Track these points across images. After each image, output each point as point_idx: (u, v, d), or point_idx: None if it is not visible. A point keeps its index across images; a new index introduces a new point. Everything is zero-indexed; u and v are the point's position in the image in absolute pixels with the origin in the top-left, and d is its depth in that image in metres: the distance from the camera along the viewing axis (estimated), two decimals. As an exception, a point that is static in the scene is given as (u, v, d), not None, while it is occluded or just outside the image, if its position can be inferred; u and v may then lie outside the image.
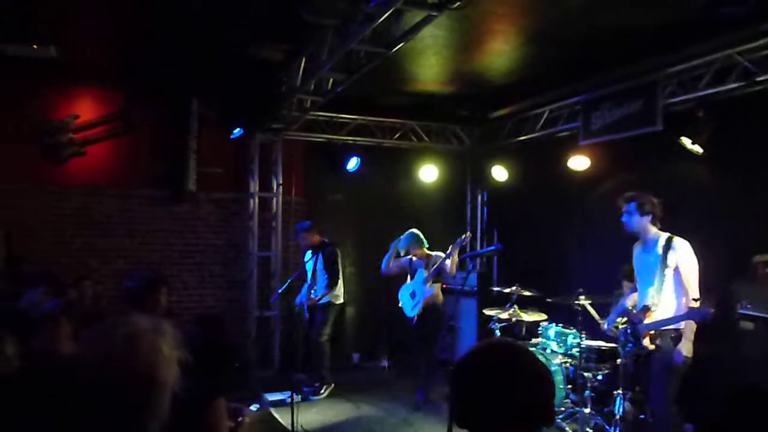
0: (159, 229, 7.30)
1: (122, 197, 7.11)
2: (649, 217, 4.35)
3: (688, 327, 4.14)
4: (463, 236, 6.10)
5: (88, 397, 1.53)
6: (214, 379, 2.71)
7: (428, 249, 6.44)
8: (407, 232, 6.43)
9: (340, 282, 6.84)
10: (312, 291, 6.75)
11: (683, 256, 4.23)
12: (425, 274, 6.29)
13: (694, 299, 4.09)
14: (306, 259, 6.73)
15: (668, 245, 4.25)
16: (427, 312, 6.25)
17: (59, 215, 6.80)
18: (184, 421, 1.71)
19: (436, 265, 6.16)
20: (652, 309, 4.34)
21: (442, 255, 6.13)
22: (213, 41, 5.79)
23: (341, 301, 6.91)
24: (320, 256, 6.70)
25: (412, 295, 6.42)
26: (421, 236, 6.42)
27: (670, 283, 4.27)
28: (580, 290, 5.37)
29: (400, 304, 6.56)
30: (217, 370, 2.72)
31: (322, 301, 6.72)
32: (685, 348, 4.14)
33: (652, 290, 4.31)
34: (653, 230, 4.38)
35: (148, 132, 7.13)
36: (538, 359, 1.64)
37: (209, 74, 6.69)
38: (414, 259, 6.47)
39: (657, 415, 4.41)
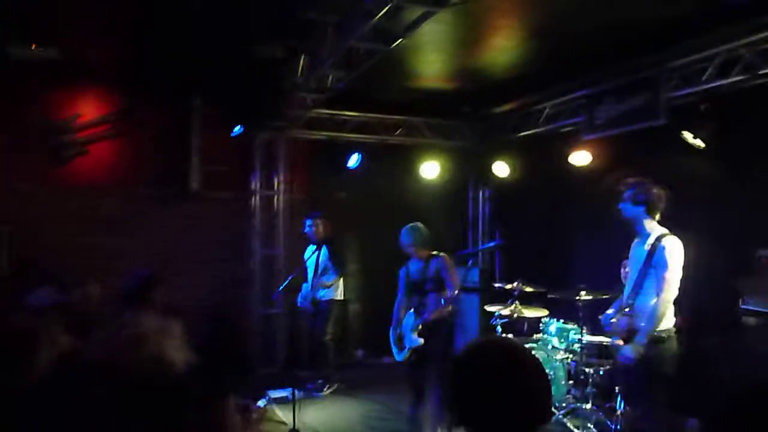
0: (163, 228, 7.31)
1: (126, 196, 7.12)
2: (642, 208, 4.12)
3: (643, 332, 3.96)
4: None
5: (92, 399, 1.53)
6: (223, 376, 2.73)
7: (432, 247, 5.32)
8: (406, 227, 5.35)
9: (341, 279, 6.85)
10: (316, 279, 6.72)
11: (667, 256, 3.98)
12: (414, 318, 5.16)
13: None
14: (306, 256, 6.73)
15: (656, 243, 4.03)
16: (427, 332, 5.13)
17: (64, 215, 6.82)
18: (194, 420, 1.71)
19: (426, 313, 5.05)
20: (625, 308, 4.17)
21: (446, 260, 5.14)
22: (214, 39, 5.80)
23: (342, 297, 6.92)
24: (325, 249, 6.70)
25: (399, 340, 5.30)
26: (424, 230, 5.31)
27: (651, 283, 4.05)
28: (582, 286, 5.35)
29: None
30: (225, 368, 2.74)
31: (325, 298, 6.73)
32: (632, 349, 3.95)
33: (632, 288, 4.16)
34: (648, 224, 4.14)
35: (151, 131, 7.15)
36: (533, 356, 1.64)
37: (211, 72, 6.71)
38: (410, 266, 5.32)
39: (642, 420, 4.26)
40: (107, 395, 1.52)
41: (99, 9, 5.22)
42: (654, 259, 4.01)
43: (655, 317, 3.95)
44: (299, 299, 6.85)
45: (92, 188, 6.96)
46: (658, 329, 3.98)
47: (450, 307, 5.08)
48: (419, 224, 5.31)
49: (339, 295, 6.85)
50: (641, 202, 4.14)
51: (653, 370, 4.00)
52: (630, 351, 3.96)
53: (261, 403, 5.72)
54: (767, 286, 4.58)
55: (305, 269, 6.80)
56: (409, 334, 5.17)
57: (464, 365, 1.62)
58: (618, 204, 4.25)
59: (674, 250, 3.99)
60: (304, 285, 6.82)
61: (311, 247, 6.79)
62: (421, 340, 5.05)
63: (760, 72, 4.87)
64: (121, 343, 1.59)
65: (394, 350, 5.37)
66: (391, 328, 5.34)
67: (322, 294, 6.76)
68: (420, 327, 5.08)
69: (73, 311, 3.50)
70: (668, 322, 4.05)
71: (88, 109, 6.92)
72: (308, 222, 6.89)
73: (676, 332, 4.09)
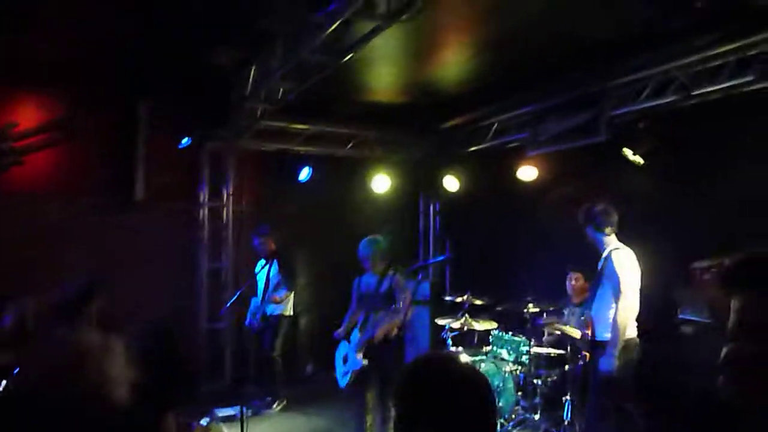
0: (106, 239, 7.05)
1: (67, 207, 6.84)
2: (590, 227, 4.40)
3: (611, 344, 4.20)
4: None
5: (32, 418, 1.46)
6: (165, 393, 2.64)
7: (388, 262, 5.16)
8: (365, 239, 5.24)
9: (292, 295, 6.76)
10: (266, 294, 6.62)
11: (616, 268, 4.24)
12: (359, 335, 5.03)
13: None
14: (257, 270, 6.62)
15: (606, 257, 4.30)
16: (373, 351, 4.97)
17: (1, 226, 6.51)
18: None
19: (370, 331, 4.93)
20: (587, 320, 4.44)
21: (400, 279, 5.01)
22: (162, 45, 5.68)
23: (291, 313, 6.83)
24: (275, 263, 6.61)
25: (344, 360, 5.19)
26: (382, 244, 5.22)
27: (603, 294, 4.33)
28: (529, 298, 5.46)
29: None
30: (167, 385, 2.66)
31: (273, 313, 6.63)
32: (607, 362, 4.18)
33: (588, 299, 4.41)
34: (605, 239, 4.39)
35: (94, 138, 6.90)
36: (475, 369, 1.65)
37: (158, 78, 6.55)
38: (363, 278, 5.22)
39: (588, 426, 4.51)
40: (49, 417, 1.46)
41: (37, 8, 5.02)
42: (605, 273, 4.29)
43: (616, 326, 4.19)
44: (249, 315, 6.72)
45: (31, 196, 6.66)
46: (607, 338, 4.25)
47: (399, 326, 4.95)
48: (378, 237, 5.25)
49: (289, 310, 6.76)
50: (589, 223, 4.43)
51: (605, 378, 4.24)
52: (607, 364, 4.17)
53: (204, 421, 5.58)
54: (701, 297, 4.77)
55: (255, 283, 6.69)
56: (353, 354, 5.01)
57: (409, 381, 1.62)
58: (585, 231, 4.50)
59: (622, 262, 4.24)
60: (254, 299, 6.70)
61: (262, 261, 6.69)
62: (365, 362, 4.92)
63: (692, 93, 5.11)
64: (61, 363, 1.52)
65: (339, 371, 5.21)
66: (341, 344, 5.22)
67: (272, 309, 6.66)
68: (364, 346, 4.95)
69: (8, 331, 3.34)
70: (629, 330, 4.27)
71: (26, 116, 6.63)
72: (256, 240, 6.81)
73: (635, 341, 4.30)
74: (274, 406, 6.51)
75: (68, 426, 1.49)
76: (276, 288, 6.64)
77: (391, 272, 5.03)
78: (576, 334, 4.91)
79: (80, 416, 1.51)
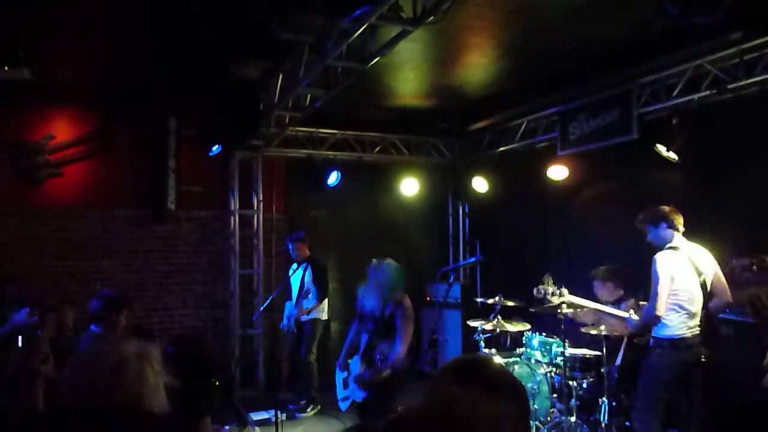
0: (139, 250, 7.21)
1: (102, 218, 7.02)
2: (663, 225, 4.41)
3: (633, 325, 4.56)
4: None
5: (75, 426, 1.50)
6: (199, 398, 2.68)
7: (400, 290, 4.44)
8: (383, 262, 4.47)
9: (325, 300, 6.79)
10: (300, 298, 6.65)
11: (653, 269, 4.32)
12: (359, 365, 4.51)
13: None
14: (291, 274, 6.67)
15: (653, 262, 4.34)
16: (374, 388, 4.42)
17: (39, 238, 6.70)
18: None
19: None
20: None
21: (406, 309, 4.35)
22: (190, 60, 5.79)
23: (326, 317, 6.86)
24: (309, 269, 6.65)
25: (344, 384, 4.69)
26: (399, 271, 4.46)
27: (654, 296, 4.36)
28: (563, 299, 5.37)
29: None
30: (200, 390, 2.70)
31: (308, 317, 6.67)
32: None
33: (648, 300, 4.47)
34: (671, 237, 4.42)
35: (126, 152, 7.07)
36: (508, 372, 1.63)
37: (187, 93, 6.68)
38: (366, 306, 4.54)
39: (633, 423, 4.52)
40: (90, 425, 1.49)
41: (72, 30, 5.17)
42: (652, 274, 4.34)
43: (642, 317, 4.42)
44: (284, 319, 6.77)
45: (67, 210, 6.85)
46: (657, 334, 4.32)
47: (398, 364, 4.29)
48: (391, 261, 4.48)
49: (323, 315, 6.78)
50: (659, 221, 4.43)
51: (651, 373, 4.31)
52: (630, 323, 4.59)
53: (228, 427, 5.63)
54: (741, 296, 4.65)
55: (289, 287, 6.73)
56: (353, 383, 4.57)
57: (437, 384, 1.61)
58: (647, 239, 4.51)
59: (656, 262, 4.29)
60: (288, 304, 6.75)
61: (294, 265, 6.74)
62: (364, 396, 4.46)
63: (729, 86, 5.01)
64: (101, 371, 1.55)
65: (339, 395, 4.74)
66: (338, 366, 4.73)
67: (305, 315, 6.69)
68: (363, 380, 4.45)
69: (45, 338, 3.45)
70: (668, 331, 4.28)
71: (61, 130, 6.83)
72: (290, 245, 6.83)
73: (682, 343, 4.26)
74: (308, 410, 6.54)
75: None
76: (306, 295, 6.66)
77: (397, 297, 4.37)
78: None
79: (121, 423, 1.53)
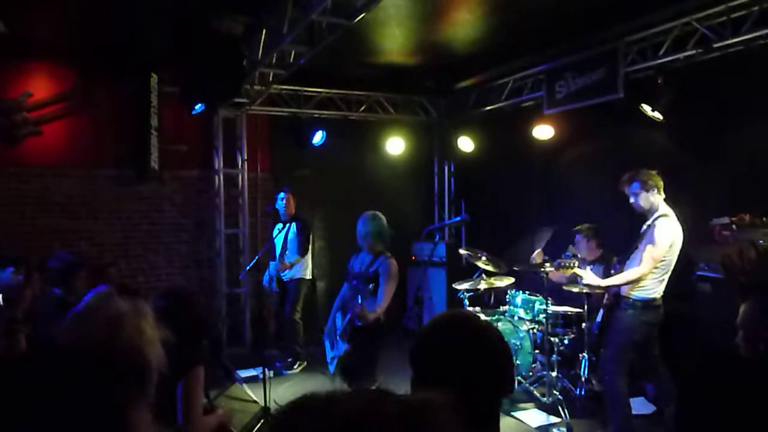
0: (123, 209, 7.16)
1: (84, 177, 6.93)
2: (654, 191, 4.35)
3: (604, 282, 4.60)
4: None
5: (72, 381, 1.52)
6: (191, 349, 2.75)
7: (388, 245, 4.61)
8: (366, 214, 4.63)
9: (309, 257, 6.82)
10: (284, 257, 6.66)
11: (652, 233, 4.28)
12: (340, 320, 4.68)
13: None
14: (275, 234, 6.67)
15: (652, 224, 4.31)
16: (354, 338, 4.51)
17: (19, 197, 6.61)
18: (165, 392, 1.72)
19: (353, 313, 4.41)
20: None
21: (391, 265, 4.43)
22: (171, 14, 5.63)
23: (310, 276, 6.90)
24: (292, 226, 6.65)
25: (332, 345, 4.80)
26: (384, 223, 4.61)
27: (637, 257, 4.38)
28: (546, 258, 5.46)
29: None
30: (192, 341, 2.76)
31: (293, 277, 6.70)
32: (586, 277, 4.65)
33: (629, 260, 4.47)
34: (657, 203, 4.37)
35: (107, 110, 6.93)
36: (491, 327, 1.66)
37: (168, 49, 6.52)
38: (358, 257, 4.69)
39: (603, 379, 4.61)
40: (89, 375, 1.51)
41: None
42: (646, 236, 4.33)
43: (621, 278, 4.42)
44: (266, 278, 6.79)
45: (48, 169, 6.75)
46: (631, 295, 4.36)
47: (374, 316, 4.35)
48: (380, 214, 4.65)
49: (308, 274, 6.83)
50: (653, 186, 4.34)
51: (623, 333, 4.37)
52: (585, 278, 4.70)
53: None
54: (719, 254, 4.74)
55: (273, 247, 6.73)
56: (338, 340, 4.67)
57: (427, 340, 1.64)
58: (632, 201, 4.43)
59: (665, 231, 4.26)
60: (272, 263, 6.77)
61: (279, 225, 6.73)
62: (347, 348, 4.52)
63: (715, 45, 4.99)
64: (99, 324, 1.59)
65: (328, 357, 4.80)
66: (327, 328, 4.81)
67: (289, 273, 6.72)
68: (346, 330, 4.55)
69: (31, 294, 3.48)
70: (643, 293, 4.34)
71: (40, 88, 6.66)
72: (281, 195, 6.77)
73: (653, 303, 4.34)
74: (295, 366, 6.64)
75: (104, 388, 1.55)
76: (291, 249, 6.67)
77: (384, 255, 4.50)
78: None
79: (115, 379, 1.57)
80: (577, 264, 4.77)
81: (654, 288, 4.34)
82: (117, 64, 6.75)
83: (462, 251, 6.30)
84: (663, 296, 4.38)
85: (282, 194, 6.79)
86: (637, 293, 4.35)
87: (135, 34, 6.14)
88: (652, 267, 4.27)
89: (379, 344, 4.44)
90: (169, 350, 1.71)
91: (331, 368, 4.76)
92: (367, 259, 4.57)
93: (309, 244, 6.74)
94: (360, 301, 4.34)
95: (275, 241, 6.66)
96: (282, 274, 6.72)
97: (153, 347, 1.63)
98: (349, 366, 4.50)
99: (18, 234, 6.44)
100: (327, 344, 4.83)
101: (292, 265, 6.63)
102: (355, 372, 4.40)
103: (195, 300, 3.02)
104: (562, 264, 4.73)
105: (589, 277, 4.67)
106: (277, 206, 6.80)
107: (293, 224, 6.62)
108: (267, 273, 6.77)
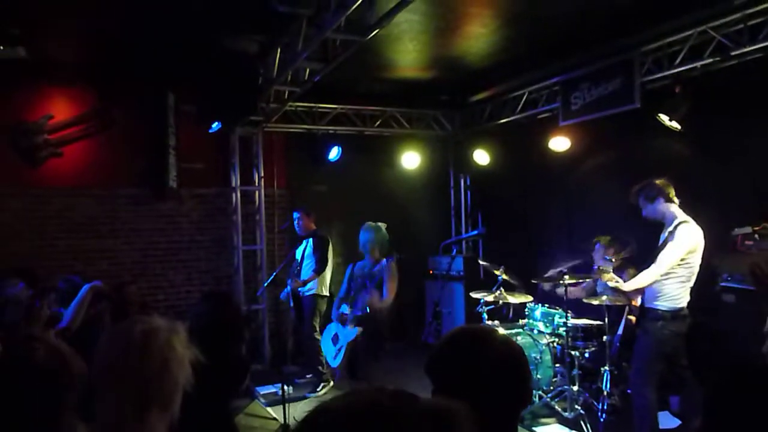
0: (142, 228, 7.23)
1: (103, 197, 7.02)
2: (660, 200, 4.33)
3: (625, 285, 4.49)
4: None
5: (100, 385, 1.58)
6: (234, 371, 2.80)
7: (386, 251, 5.33)
8: (367, 225, 5.40)
9: (328, 274, 6.74)
10: (298, 273, 6.60)
11: (673, 239, 4.23)
12: (348, 309, 5.31)
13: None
14: (295, 250, 6.66)
15: (674, 230, 4.26)
16: (367, 321, 5.21)
17: (41, 217, 6.71)
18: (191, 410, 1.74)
19: (359, 306, 5.23)
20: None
21: (392, 266, 5.20)
22: (188, 36, 5.72)
23: (326, 293, 6.79)
24: (309, 242, 6.62)
25: (334, 339, 5.46)
26: (383, 232, 5.35)
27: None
28: (564, 270, 5.40)
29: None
30: (233, 341, 2.80)
31: (307, 292, 6.63)
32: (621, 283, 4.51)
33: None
34: (671, 211, 4.33)
35: (126, 130, 7.03)
36: (509, 341, 1.64)
37: (185, 69, 6.62)
38: (358, 264, 5.44)
39: (632, 394, 4.54)
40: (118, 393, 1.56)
41: (66, 6, 5.10)
42: (668, 243, 4.26)
43: (642, 279, 4.33)
44: (283, 294, 6.76)
45: (68, 189, 6.85)
46: (659, 306, 4.28)
47: (382, 306, 5.10)
48: (380, 224, 5.32)
49: (323, 290, 6.71)
50: (655, 196, 4.34)
51: (651, 345, 4.30)
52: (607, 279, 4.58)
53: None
54: (744, 263, 4.66)
55: (294, 260, 6.71)
56: (344, 329, 5.28)
57: (445, 353, 1.63)
58: (642, 214, 4.45)
59: (685, 237, 4.22)
60: (289, 280, 6.75)
61: (303, 242, 6.74)
62: (359, 329, 5.21)
63: (732, 53, 4.94)
64: (135, 336, 1.63)
65: (330, 353, 5.53)
66: (327, 327, 5.58)
67: (304, 289, 6.66)
68: (357, 318, 5.23)
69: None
70: (671, 302, 4.27)
71: (60, 110, 6.78)
72: (296, 215, 6.77)
73: (680, 313, 4.28)
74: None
75: (133, 395, 1.60)
76: (307, 265, 6.62)
77: (386, 259, 5.21)
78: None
79: (145, 387, 1.61)
80: (611, 269, 4.75)
81: (681, 297, 4.26)
82: (135, 85, 6.86)
83: (481, 262, 6.30)
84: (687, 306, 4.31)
85: (296, 214, 6.78)
86: (665, 304, 4.28)
87: (152, 54, 6.24)
88: (668, 267, 4.20)
89: (381, 331, 5.12)
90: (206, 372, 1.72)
91: (335, 363, 5.31)
92: (368, 265, 5.25)
93: (325, 260, 6.67)
94: (369, 292, 5.05)
95: (296, 254, 6.65)
96: (299, 290, 6.68)
97: (182, 364, 1.66)
98: (357, 349, 5.14)
99: (40, 254, 6.53)
100: (327, 341, 5.41)
101: (305, 283, 6.55)
102: (362, 354, 5.10)
103: (235, 303, 3.08)
104: (600, 269, 4.69)
105: (622, 283, 4.57)
106: (294, 225, 6.81)
107: (310, 240, 6.60)
108: (285, 289, 6.75)
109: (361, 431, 0.81)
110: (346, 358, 5.28)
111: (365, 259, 5.31)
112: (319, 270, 6.50)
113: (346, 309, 5.31)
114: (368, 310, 5.07)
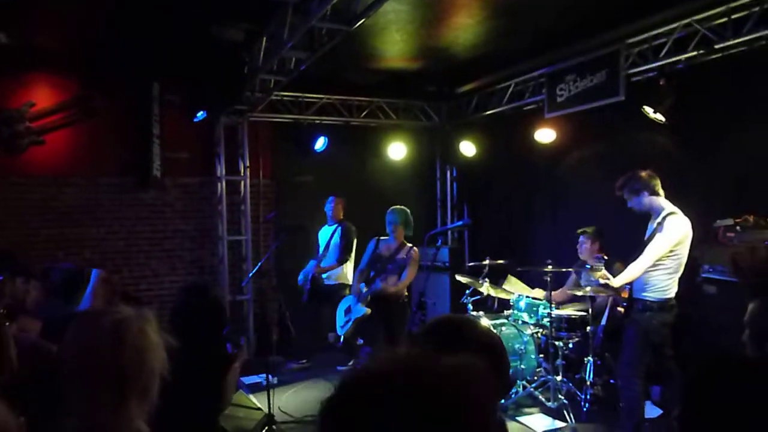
0: (126, 217, 7.16)
1: (86, 186, 6.94)
2: (645, 194, 4.35)
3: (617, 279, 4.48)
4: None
5: (79, 384, 1.55)
6: (219, 346, 2.81)
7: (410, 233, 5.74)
8: (394, 207, 5.77)
9: (350, 264, 6.69)
10: (322, 260, 6.66)
11: (661, 231, 4.25)
12: (365, 289, 5.70)
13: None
14: (320, 233, 6.69)
15: (662, 221, 4.28)
16: (378, 303, 5.64)
17: (23, 206, 6.63)
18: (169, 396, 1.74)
19: (368, 290, 5.65)
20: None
21: (416, 254, 5.59)
22: (173, 24, 5.65)
23: (351, 282, 6.51)
24: (338, 230, 6.67)
25: (347, 311, 5.85)
26: (409, 215, 5.73)
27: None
28: (549, 261, 5.44)
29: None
30: (214, 330, 2.81)
31: (333, 281, 6.65)
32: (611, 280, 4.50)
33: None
34: (658, 202, 4.36)
35: (109, 118, 6.94)
36: (488, 331, 1.65)
37: (170, 57, 6.54)
38: (382, 242, 5.79)
39: (619, 384, 4.57)
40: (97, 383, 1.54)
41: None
42: (656, 235, 4.28)
43: (632, 270, 4.34)
44: (300, 276, 6.76)
45: (51, 178, 6.77)
46: (647, 297, 4.32)
47: (402, 290, 5.60)
48: (406, 208, 5.76)
49: (348, 279, 6.59)
50: (640, 189, 4.36)
51: (640, 336, 4.32)
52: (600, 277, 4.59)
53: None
54: (725, 255, 4.72)
55: (317, 245, 6.82)
56: (356, 304, 5.69)
57: (424, 343, 1.64)
58: (627, 205, 4.47)
59: (674, 229, 4.24)
60: (311, 261, 6.75)
61: (327, 227, 6.80)
62: (368, 310, 5.60)
63: (716, 46, 4.97)
64: (105, 327, 1.60)
65: (339, 322, 5.88)
66: (344, 298, 5.97)
67: (327, 277, 6.67)
68: (369, 298, 5.63)
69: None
70: (659, 293, 4.31)
71: (42, 97, 6.69)
72: (330, 199, 6.87)
73: (668, 304, 4.31)
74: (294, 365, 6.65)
75: (110, 391, 1.58)
76: (332, 253, 6.68)
77: (410, 245, 5.61)
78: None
79: (121, 382, 1.60)
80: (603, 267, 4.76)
81: (669, 288, 4.30)
82: (118, 73, 6.77)
83: (459, 277, 6.23)
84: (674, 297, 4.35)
85: (330, 198, 6.89)
86: (653, 294, 4.31)
87: (136, 42, 6.15)
88: (653, 259, 4.23)
89: (401, 311, 5.52)
90: (181, 353, 1.71)
91: (342, 331, 5.80)
92: (394, 246, 5.64)
93: (350, 250, 6.69)
94: (389, 277, 5.54)
95: (319, 238, 6.67)
96: (322, 276, 6.72)
97: (157, 351, 1.65)
98: (367, 327, 5.69)
99: (21, 243, 6.44)
100: (341, 312, 5.86)
101: (324, 270, 6.60)
102: (371, 331, 5.72)
103: (215, 291, 3.10)
104: (593, 267, 4.70)
105: (612, 279, 4.56)
106: (325, 209, 6.88)
107: (338, 228, 6.64)
108: (303, 271, 6.75)
109: (401, 390, 0.86)
110: (353, 328, 5.76)
111: (389, 239, 5.71)
112: (342, 260, 6.58)
113: (363, 287, 5.70)
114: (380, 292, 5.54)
